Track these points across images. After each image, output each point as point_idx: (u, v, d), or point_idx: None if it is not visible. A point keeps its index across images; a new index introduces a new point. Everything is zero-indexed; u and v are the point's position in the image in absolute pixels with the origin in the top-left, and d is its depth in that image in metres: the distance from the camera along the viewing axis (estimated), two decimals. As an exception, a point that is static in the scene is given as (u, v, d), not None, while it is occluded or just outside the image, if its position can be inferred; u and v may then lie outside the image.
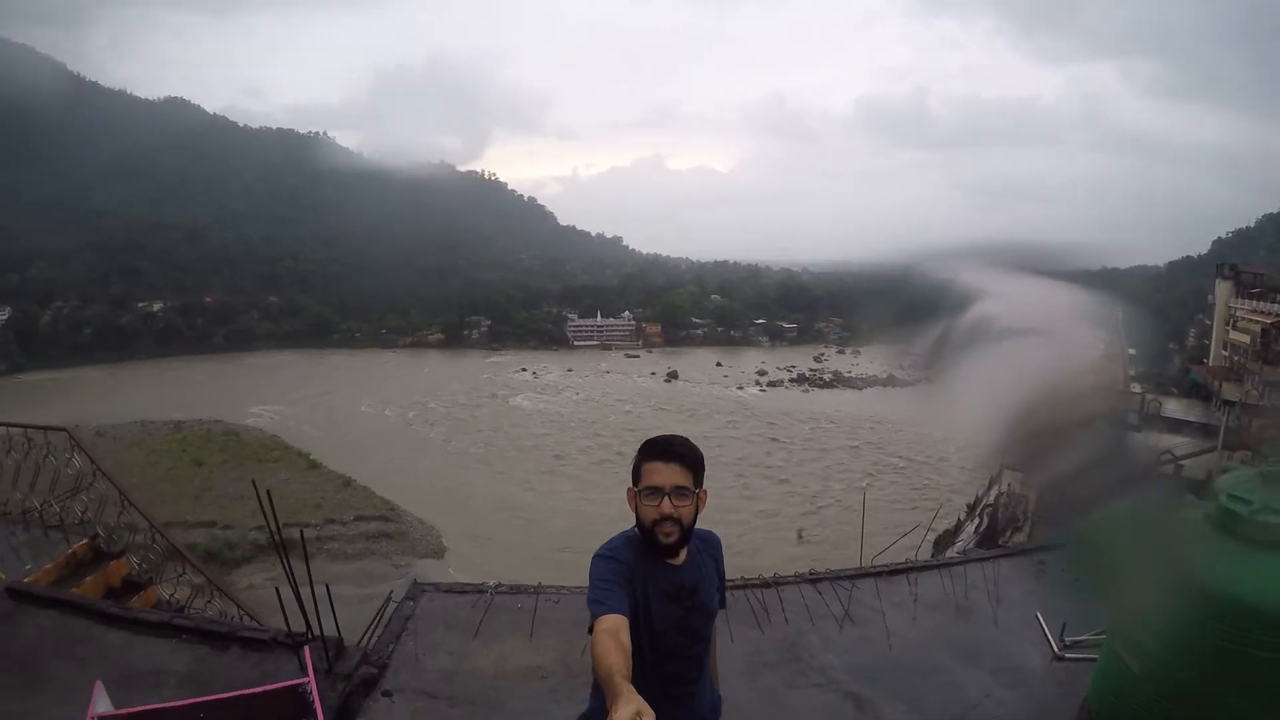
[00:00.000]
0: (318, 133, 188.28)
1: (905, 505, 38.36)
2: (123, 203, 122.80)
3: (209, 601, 6.38)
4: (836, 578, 5.46)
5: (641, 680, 1.54)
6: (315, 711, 3.39)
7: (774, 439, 56.33)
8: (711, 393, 73.86)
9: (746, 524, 36.94)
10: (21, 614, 4.60)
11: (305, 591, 4.08)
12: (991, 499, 28.93)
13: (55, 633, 4.45)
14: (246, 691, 3.58)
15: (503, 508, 41.24)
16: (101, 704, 3.41)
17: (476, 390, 74.15)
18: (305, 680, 3.61)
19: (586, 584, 1.93)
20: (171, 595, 6.17)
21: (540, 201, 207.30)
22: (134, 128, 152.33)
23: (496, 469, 49.50)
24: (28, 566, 5.26)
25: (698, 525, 2.07)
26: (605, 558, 1.94)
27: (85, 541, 5.84)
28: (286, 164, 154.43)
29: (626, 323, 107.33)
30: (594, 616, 1.78)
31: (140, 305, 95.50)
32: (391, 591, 5.38)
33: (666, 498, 1.90)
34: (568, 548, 32.21)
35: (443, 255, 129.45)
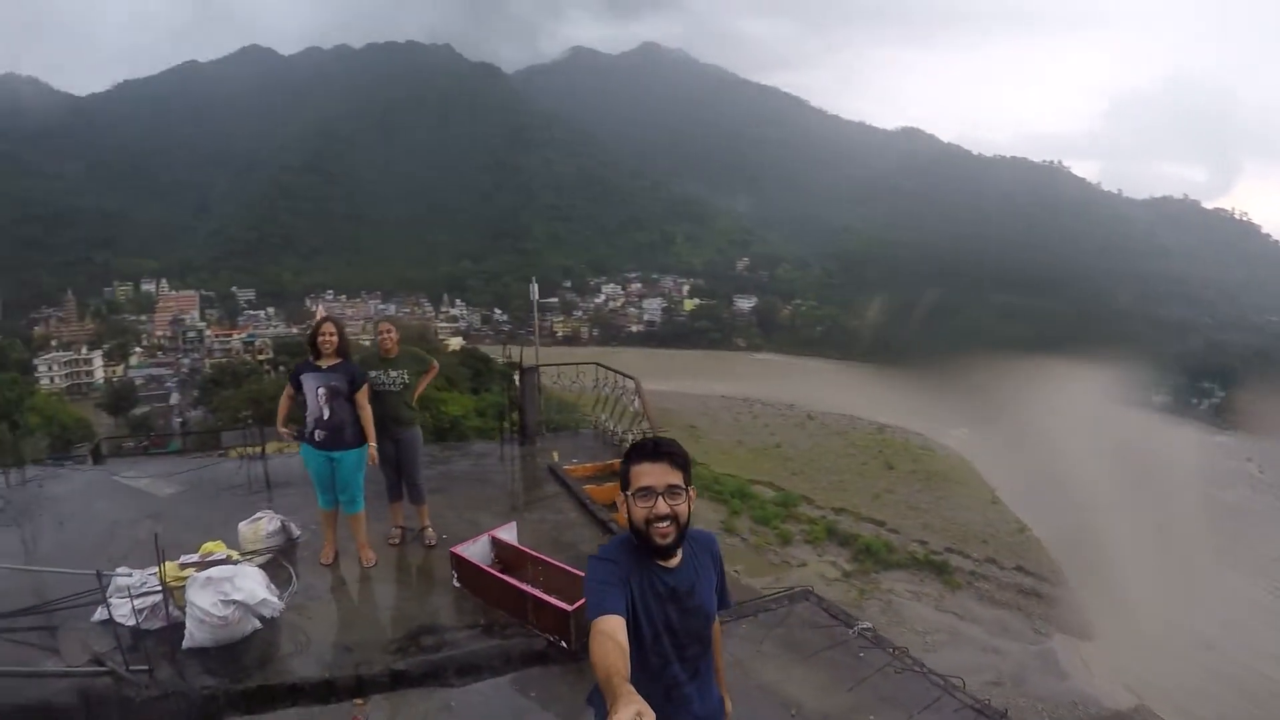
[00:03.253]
0: (1052, 161, 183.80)
1: None
2: (861, 220, 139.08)
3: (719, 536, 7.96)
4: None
5: (638, 683, 1.55)
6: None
7: None
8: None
9: None
10: (548, 481, 7.17)
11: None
12: None
13: (550, 496, 6.94)
14: (572, 569, 4.76)
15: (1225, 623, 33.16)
16: (504, 534, 5.18)
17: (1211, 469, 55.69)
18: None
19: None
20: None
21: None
22: (872, 155, 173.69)
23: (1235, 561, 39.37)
24: (575, 459, 7.82)
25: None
26: (601, 560, 1.95)
27: (624, 459, 8.16)
28: (1020, 192, 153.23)
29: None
30: (591, 618, 1.79)
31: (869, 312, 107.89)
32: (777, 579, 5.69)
33: (660, 497, 1.89)
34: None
35: (1184, 307, 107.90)
